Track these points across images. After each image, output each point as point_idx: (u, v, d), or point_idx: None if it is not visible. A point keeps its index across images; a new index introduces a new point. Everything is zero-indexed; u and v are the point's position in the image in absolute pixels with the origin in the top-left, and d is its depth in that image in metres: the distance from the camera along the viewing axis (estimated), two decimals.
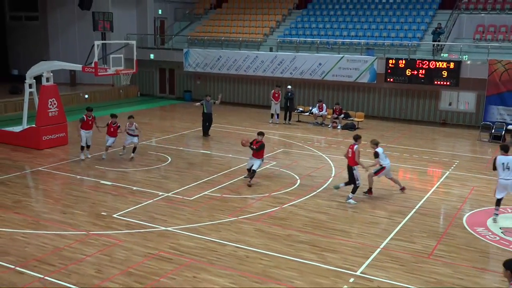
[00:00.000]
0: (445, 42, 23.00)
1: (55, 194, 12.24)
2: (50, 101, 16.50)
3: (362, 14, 26.90)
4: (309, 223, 10.50)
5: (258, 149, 12.93)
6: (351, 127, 21.05)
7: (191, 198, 11.85)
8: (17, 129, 17.01)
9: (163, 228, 10.03)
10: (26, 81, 16.88)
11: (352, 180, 11.89)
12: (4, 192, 12.10)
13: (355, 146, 11.73)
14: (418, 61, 21.92)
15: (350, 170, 11.86)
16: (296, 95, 24.05)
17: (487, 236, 9.99)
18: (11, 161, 14.96)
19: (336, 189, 12.32)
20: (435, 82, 21.77)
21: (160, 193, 12.14)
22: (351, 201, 11.80)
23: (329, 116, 21.77)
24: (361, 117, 21.87)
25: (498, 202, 10.75)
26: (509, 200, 12.22)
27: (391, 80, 22.62)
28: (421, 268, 8.60)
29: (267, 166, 14.59)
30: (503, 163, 10.51)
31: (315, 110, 22.04)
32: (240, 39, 27.04)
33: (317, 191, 12.67)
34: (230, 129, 20.07)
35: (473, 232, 10.20)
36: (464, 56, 21.70)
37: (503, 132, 19.20)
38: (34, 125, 16.42)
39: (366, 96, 24.21)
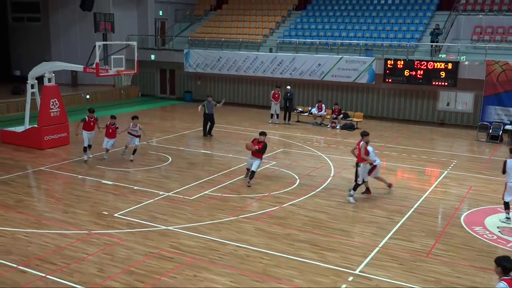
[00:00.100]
0: (443, 43, 23.07)
1: (57, 194, 12.27)
2: (52, 102, 16.56)
3: (361, 15, 26.99)
4: (308, 222, 10.54)
5: (262, 151, 12.90)
6: (350, 127, 21.13)
7: (191, 198, 11.90)
8: (19, 129, 17.04)
9: (164, 227, 10.06)
10: (28, 81, 16.92)
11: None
12: (7, 191, 12.14)
13: (361, 143, 11.75)
14: (416, 61, 22.01)
15: (357, 167, 11.95)
16: (295, 95, 24.14)
17: (484, 235, 10.05)
18: (13, 161, 14.99)
19: (350, 200, 11.99)
20: (433, 83, 21.85)
21: (161, 193, 12.19)
22: (350, 199, 11.84)
23: (328, 116, 21.84)
24: (360, 117, 21.96)
25: (507, 205, 10.71)
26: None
27: (390, 80, 22.71)
28: (420, 267, 8.64)
29: (267, 166, 14.66)
30: None
31: (314, 111, 22.12)
32: (240, 40, 27.12)
33: (317, 190, 12.72)
34: (230, 129, 20.13)
35: (471, 231, 10.25)
36: (462, 57, 21.79)
37: (501, 132, 19.30)
38: (36, 125, 16.47)
39: (365, 97, 24.29)
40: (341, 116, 21.59)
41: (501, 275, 5.80)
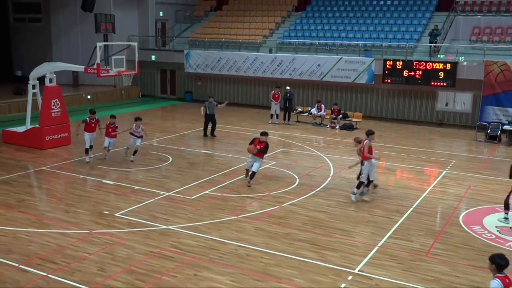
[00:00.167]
0: (442, 43, 23.15)
1: (58, 193, 12.30)
2: (53, 102, 16.60)
3: (360, 16, 27.06)
4: (308, 222, 10.57)
5: (264, 151, 12.88)
6: (349, 127, 21.20)
7: (192, 197, 11.93)
8: (20, 129, 17.08)
9: (165, 226, 10.09)
10: (30, 82, 16.95)
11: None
12: (8, 191, 12.17)
13: (365, 141, 11.79)
14: (415, 62, 22.07)
15: (362, 164, 12.00)
16: (295, 96, 24.21)
17: (483, 235, 10.08)
18: (15, 160, 15.03)
19: (364, 196, 12.08)
20: (432, 83, 21.92)
21: (162, 192, 12.22)
22: (352, 197, 11.87)
23: (328, 117, 21.91)
24: (359, 117, 22.02)
25: (507, 206, 10.75)
26: None
27: (389, 81, 22.78)
28: (419, 266, 8.67)
29: (267, 165, 14.70)
30: None
31: (314, 111, 22.18)
32: (240, 40, 27.18)
33: (316, 190, 12.76)
34: (230, 129, 20.17)
35: (469, 231, 10.29)
36: (460, 58, 21.85)
37: (499, 132, 19.34)
38: (37, 126, 16.51)
39: (364, 97, 24.37)
40: (341, 116, 21.65)
41: (495, 272, 5.88)
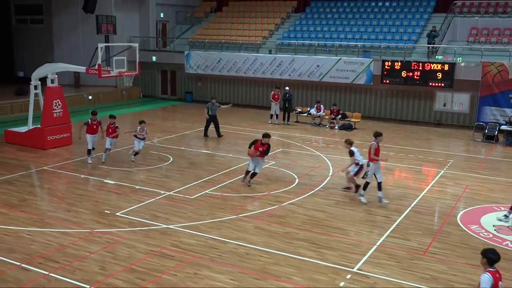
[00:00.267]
0: (440, 44, 23.24)
1: (60, 193, 12.36)
2: (55, 102, 16.67)
3: (359, 17, 27.17)
4: (307, 221, 10.63)
5: (266, 153, 12.87)
6: (348, 127, 21.29)
7: (192, 197, 11.99)
8: (23, 129, 17.16)
9: (165, 226, 10.14)
10: (32, 82, 17.02)
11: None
12: (10, 190, 12.24)
13: (373, 143, 11.71)
14: (413, 63, 22.16)
15: (368, 166, 11.95)
16: (294, 96, 24.30)
17: (480, 234, 10.13)
18: (17, 160, 15.10)
19: (384, 202, 11.86)
20: (430, 84, 22.00)
21: (162, 192, 12.28)
22: (361, 198, 11.85)
23: (327, 117, 21.99)
24: (358, 117, 22.12)
25: None
26: (502, 198, 12.50)
27: (387, 81, 22.87)
28: (417, 264, 8.72)
29: (267, 165, 14.74)
30: None
31: (313, 111, 22.27)
32: (240, 41, 27.28)
33: (315, 189, 12.82)
34: (230, 130, 20.24)
35: (467, 230, 10.34)
36: (458, 58, 21.95)
37: (496, 132, 19.44)
38: (39, 126, 16.57)
39: (362, 97, 24.47)
40: (340, 116, 21.74)
41: (486, 266, 5.96)
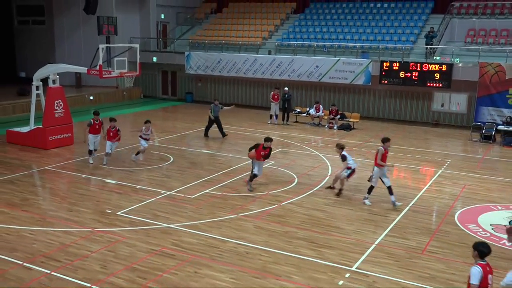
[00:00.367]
0: (438, 45, 23.32)
1: (61, 193, 12.40)
2: (56, 103, 16.72)
3: (357, 19, 27.27)
4: (306, 220, 10.68)
5: (267, 157, 12.81)
6: (346, 127, 21.39)
7: (192, 196, 12.04)
8: (24, 129, 17.21)
9: (166, 225, 10.19)
10: (33, 83, 17.10)
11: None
12: (12, 190, 12.29)
13: (379, 148, 11.61)
14: (411, 63, 22.26)
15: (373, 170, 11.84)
16: (293, 97, 24.38)
17: (478, 233, 10.19)
18: (19, 160, 15.15)
19: (397, 205, 11.68)
20: (428, 84, 22.09)
21: (163, 192, 12.33)
22: (365, 201, 11.81)
23: (326, 117, 22.06)
24: (357, 118, 22.22)
25: None
26: (500, 198, 12.60)
27: (386, 82, 22.97)
28: (415, 263, 8.77)
29: (266, 165, 14.73)
30: None
31: (312, 111, 22.35)
32: (240, 42, 27.36)
33: (314, 189, 12.88)
34: (230, 130, 20.28)
35: (464, 229, 10.40)
36: (455, 59, 22.05)
37: (493, 132, 19.53)
38: (41, 126, 16.62)
39: (361, 98, 24.57)
40: (338, 116, 21.82)
41: (477, 259, 6.08)
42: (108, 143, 14.45)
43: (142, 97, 29.52)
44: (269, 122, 22.33)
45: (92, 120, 14.68)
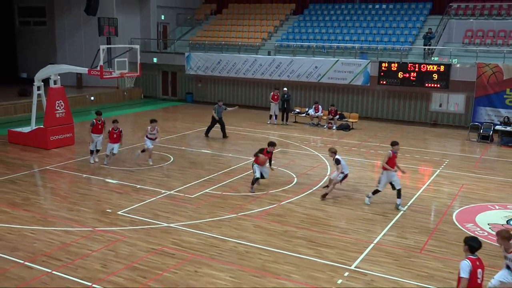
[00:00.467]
0: (436, 46, 23.40)
1: (62, 192, 12.44)
2: (58, 103, 16.77)
3: (356, 20, 27.36)
4: (306, 220, 10.72)
5: (269, 161, 12.84)
6: (345, 127, 21.46)
7: (192, 196, 12.08)
8: (26, 129, 17.25)
9: (166, 224, 10.23)
10: (35, 83, 17.13)
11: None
12: (14, 190, 12.33)
13: (389, 152, 11.43)
14: (409, 64, 22.34)
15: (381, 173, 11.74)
16: (293, 97, 24.45)
17: (475, 232, 10.22)
18: (20, 160, 15.18)
19: (400, 209, 11.54)
20: (426, 85, 22.17)
21: (163, 191, 12.38)
22: (366, 199, 11.83)
23: (325, 117, 22.12)
24: (355, 118, 22.29)
25: None
26: (497, 197, 12.66)
27: (384, 82, 23.06)
28: (413, 262, 8.81)
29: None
30: None
31: (311, 112, 22.40)
32: (240, 43, 27.44)
33: (313, 189, 12.92)
34: (230, 130, 20.29)
35: (462, 228, 10.44)
36: (453, 60, 22.12)
37: (491, 132, 19.58)
38: (42, 126, 16.66)
39: (360, 98, 24.65)
40: (337, 117, 21.88)
41: (467, 253, 6.18)
42: (109, 145, 14.45)
43: (143, 97, 29.58)
44: (268, 122, 22.40)
45: (95, 120, 14.71)
